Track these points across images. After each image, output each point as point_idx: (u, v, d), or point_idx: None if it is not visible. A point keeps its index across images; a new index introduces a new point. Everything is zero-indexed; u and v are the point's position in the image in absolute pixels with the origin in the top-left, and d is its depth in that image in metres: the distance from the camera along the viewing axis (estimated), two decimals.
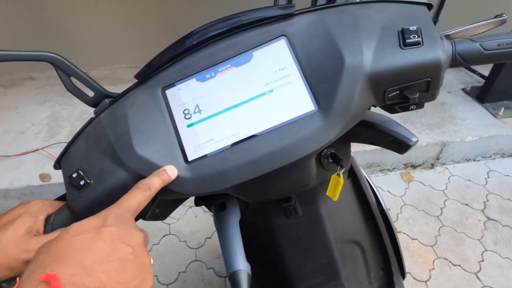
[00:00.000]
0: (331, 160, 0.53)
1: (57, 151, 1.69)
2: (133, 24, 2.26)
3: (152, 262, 0.35)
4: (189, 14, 2.26)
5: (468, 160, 1.94)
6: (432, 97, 0.43)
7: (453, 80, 2.32)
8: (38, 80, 2.27)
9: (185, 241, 1.51)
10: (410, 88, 0.41)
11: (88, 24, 2.21)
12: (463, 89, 2.23)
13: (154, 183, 0.40)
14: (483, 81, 2.16)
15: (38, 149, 1.68)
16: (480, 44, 0.41)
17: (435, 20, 2.43)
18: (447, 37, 0.45)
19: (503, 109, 1.98)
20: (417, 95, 0.41)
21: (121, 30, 2.28)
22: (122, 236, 0.31)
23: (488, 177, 1.86)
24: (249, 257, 0.50)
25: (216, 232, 0.53)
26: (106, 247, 0.29)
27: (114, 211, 0.34)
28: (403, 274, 0.81)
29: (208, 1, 2.24)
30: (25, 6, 2.08)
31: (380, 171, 1.88)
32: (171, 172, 0.42)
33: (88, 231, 0.31)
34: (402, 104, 0.43)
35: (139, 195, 0.38)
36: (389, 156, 1.80)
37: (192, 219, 1.61)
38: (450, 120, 1.95)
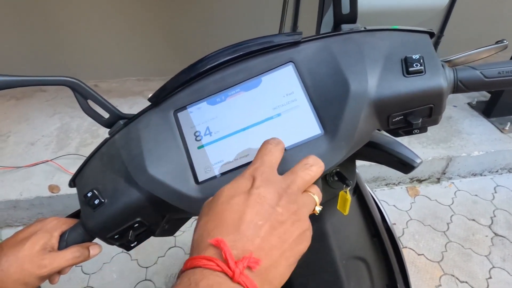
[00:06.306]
0: (336, 178, 0.54)
1: (66, 163, 1.72)
2: (141, 37, 2.31)
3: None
4: (196, 29, 2.30)
5: (474, 175, 1.93)
6: (435, 122, 0.45)
7: (459, 95, 2.31)
8: (48, 92, 2.31)
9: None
10: (413, 114, 0.43)
11: (97, 37, 2.26)
12: (469, 104, 2.23)
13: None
14: (489, 95, 2.16)
15: (47, 161, 1.71)
16: (481, 72, 0.42)
17: (440, 34, 2.44)
18: (449, 62, 0.47)
19: (509, 123, 1.98)
20: (420, 121, 0.42)
21: (129, 43, 2.33)
22: (270, 199, 0.32)
23: (495, 192, 1.84)
24: None
25: None
26: (256, 211, 0.30)
27: (259, 168, 0.34)
28: None
29: (215, 19, 2.29)
30: (34, 21, 2.14)
31: (386, 185, 1.88)
32: None
33: (238, 194, 0.32)
34: (405, 128, 0.45)
35: (274, 150, 0.37)
36: (394, 170, 1.80)
37: None
38: (456, 135, 1.95)
